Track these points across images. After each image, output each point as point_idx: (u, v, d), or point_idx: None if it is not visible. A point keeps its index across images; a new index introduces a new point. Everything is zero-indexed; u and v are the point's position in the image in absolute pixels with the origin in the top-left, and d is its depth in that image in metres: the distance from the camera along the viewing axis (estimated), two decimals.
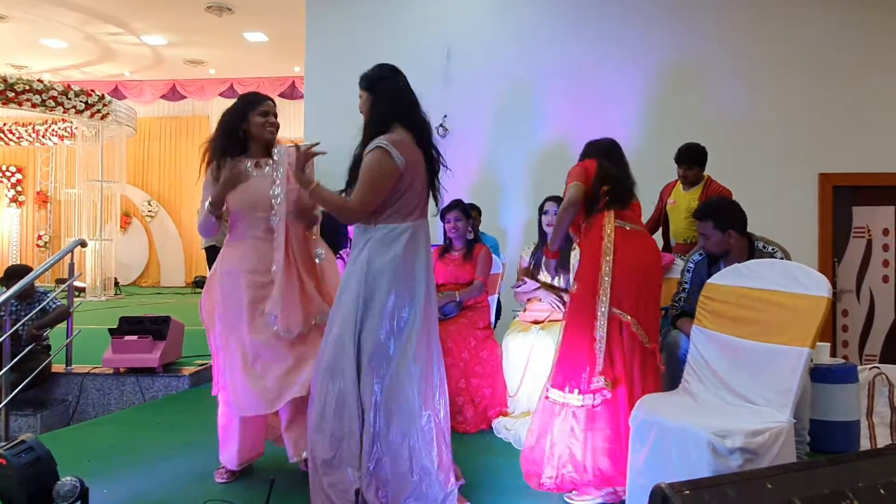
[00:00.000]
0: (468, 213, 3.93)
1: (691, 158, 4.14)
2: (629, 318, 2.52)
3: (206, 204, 2.60)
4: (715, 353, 2.19)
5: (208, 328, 2.72)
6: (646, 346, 2.55)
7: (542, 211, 3.78)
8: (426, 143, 2.37)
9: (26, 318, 4.28)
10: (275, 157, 2.65)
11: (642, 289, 2.58)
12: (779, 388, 1.99)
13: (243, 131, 2.66)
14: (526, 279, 3.74)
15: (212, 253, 6.16)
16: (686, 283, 3.16)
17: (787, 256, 2.99)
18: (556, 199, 3.51)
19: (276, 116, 2.71)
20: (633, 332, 2.52)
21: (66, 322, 4.56)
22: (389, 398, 2.21)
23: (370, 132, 2.29)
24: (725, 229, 2.93)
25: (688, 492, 1.27)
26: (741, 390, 2.08)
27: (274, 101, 2.76)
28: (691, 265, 3.18)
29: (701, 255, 3.17)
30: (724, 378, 2.14)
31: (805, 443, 2.85)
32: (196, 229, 9.98)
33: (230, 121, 2.66)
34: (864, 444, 3.24)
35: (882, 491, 1.32)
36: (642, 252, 2.67)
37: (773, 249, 3.02)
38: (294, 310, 2.54)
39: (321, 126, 5.63)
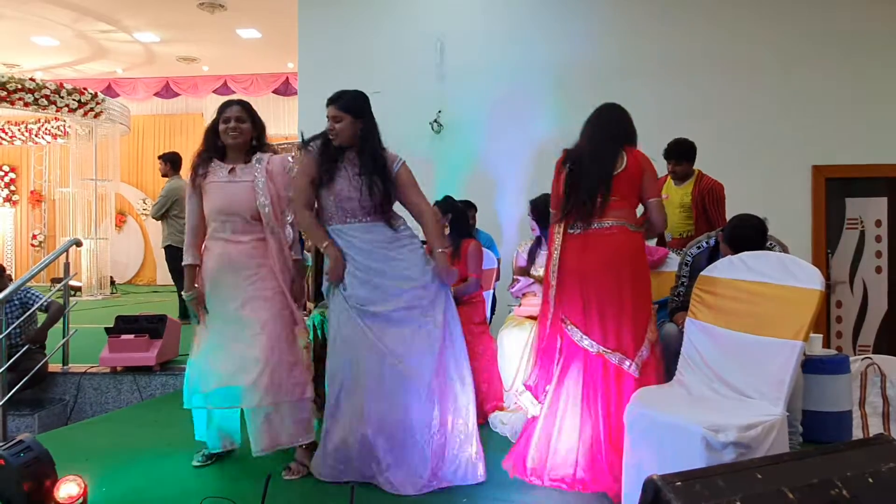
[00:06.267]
0: (454, 208, 3.88)
1: (680, 154, 4.14)
2: (572, 326, 2.50)
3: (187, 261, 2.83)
4: (708, 345, 2.20)
5: None
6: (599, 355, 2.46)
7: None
8: None
9: (20, 319, 4.26)
10: (255, 164, 2.78)
11: (590, 295, 2.49)
12: (772, 381, 2.00)
13: (220, 139, 2.82)
14: (519, 278, 3.76)
15: (171, 252, 5.99)
16: (685, 276, 3.15)
17: (784, 252, 3.01)
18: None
19: (241, 121, 2.79)
20: (573, 342, 2.49)
21: (62, 321, 4.56)
22: None
23: (376, 150, 2.68)
24: None
25: (679, 483, 1.29)
26: (734, 383, 2.10)
27: (245, 105, 2.85)
28: (689, 258, 3.17)
29: (699, 247, 3.17)
30: (717, 370, 2.16)
31: (798, 433, 2.87)
32: None
33: (208, 130, 2.86)
34: (857, 434, 3.27)
35: (870, 479, 1.34)
36: (588, 255, 2.55)
37: (771, 244, 3.03)
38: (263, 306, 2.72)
39: (315, 122, 5.59)
